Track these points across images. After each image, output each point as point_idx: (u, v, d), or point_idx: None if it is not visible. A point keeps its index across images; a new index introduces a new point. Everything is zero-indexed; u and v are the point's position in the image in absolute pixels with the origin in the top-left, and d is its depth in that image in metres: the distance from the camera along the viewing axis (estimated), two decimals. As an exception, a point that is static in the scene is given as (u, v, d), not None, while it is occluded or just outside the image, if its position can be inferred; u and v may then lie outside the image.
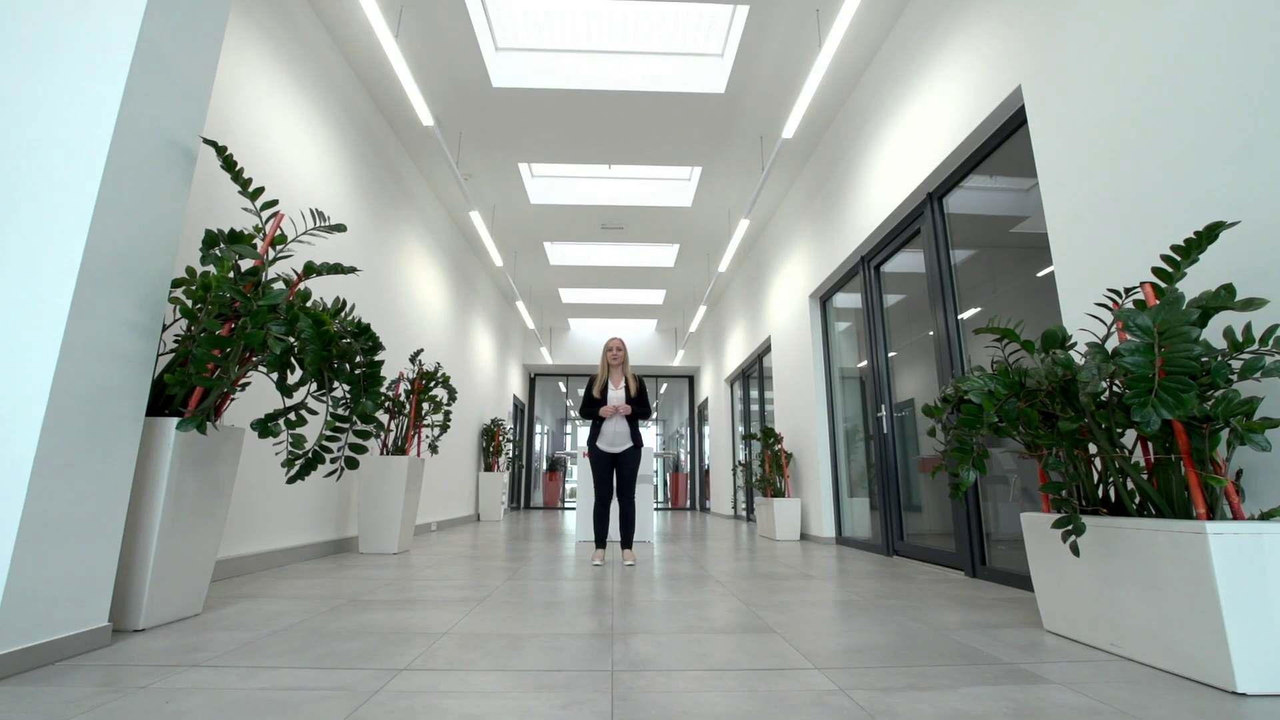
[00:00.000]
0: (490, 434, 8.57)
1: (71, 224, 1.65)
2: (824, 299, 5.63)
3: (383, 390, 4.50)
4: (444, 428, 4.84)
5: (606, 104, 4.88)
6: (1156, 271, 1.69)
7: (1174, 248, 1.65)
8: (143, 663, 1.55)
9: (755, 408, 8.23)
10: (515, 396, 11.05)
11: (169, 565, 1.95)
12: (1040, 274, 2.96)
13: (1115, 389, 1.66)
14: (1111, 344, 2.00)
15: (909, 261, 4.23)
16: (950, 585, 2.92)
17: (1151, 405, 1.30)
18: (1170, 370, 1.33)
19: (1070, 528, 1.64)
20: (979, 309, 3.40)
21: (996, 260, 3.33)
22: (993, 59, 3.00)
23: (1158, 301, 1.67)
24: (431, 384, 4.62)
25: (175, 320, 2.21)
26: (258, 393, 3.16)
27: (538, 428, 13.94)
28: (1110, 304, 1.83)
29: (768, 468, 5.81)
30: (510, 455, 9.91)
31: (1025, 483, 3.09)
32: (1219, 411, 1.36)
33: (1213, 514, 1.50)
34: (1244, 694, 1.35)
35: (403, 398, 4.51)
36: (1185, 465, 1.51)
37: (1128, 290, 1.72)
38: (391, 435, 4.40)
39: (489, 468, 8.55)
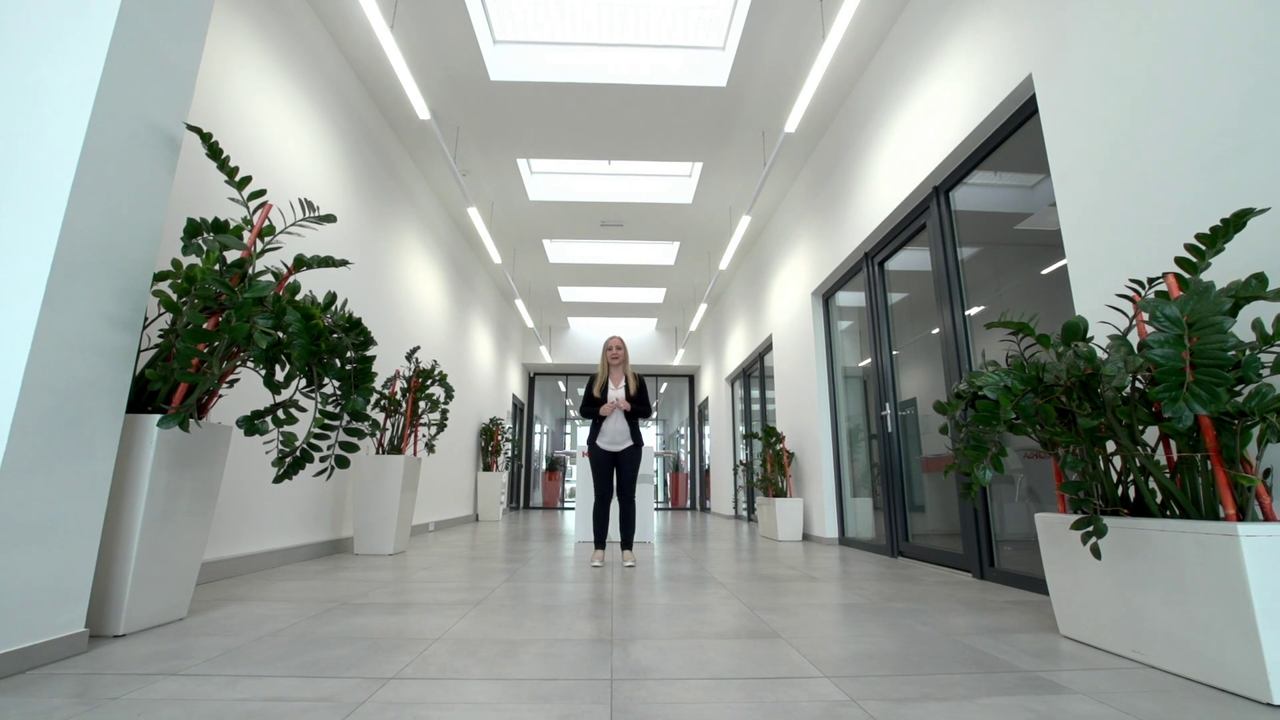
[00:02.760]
0: (489, 433, 8.50)
1: (45, 211, 1.58)
2: (826, 296, 5.55)
3: (376, 388, 4.44)
4: (441, 426, 4.76)
5: (606, 98, 4.81)
6: (1180, 261, 1.62)
7: (1199, 236, 1.58)
8: (119, 671, 1.48)
9: (756, 407, 8.16)
10: (514, 396, 10.97)
11: (151, 568, 1.88)
12: (1045, 271, 2.90)
13: (1138, 384, 1.59)
14: (1133, 337, 1.93)
15: (911, 260, 4.16)
16: (958, 587, 2.85)
17: (1184, 400, 1.22)
18: (1201, 363, 1.26)
19: (1091, 529, 1.56)
20: (983, 307, 3.34)
21: (1000, 258, 3.27)
22: (1002, 48, 2.93)
23: (1181, 293, 1.60)
24: (428, 382, 4.54)
25: (160, 314, 2.14)
26: (250, 390, 3.09)
27: (537, 427, 13.87)
28: (1132, 295, 1.75)
29: (769, 467, 5.74)
30: (509, 455, 9.84)
31: (1031, 482, 3.02)
32: (1253, 406, 1.29)
33: (1243, 515, 1.43)
34: (1280, 705, 1.28)
35: (399, 396, 4.43)
36: (1214, 463, 1.44)
37: (1151, 280, 1.65)
38: (387, 434, 4.32)
39: (488, 467, 8.48)
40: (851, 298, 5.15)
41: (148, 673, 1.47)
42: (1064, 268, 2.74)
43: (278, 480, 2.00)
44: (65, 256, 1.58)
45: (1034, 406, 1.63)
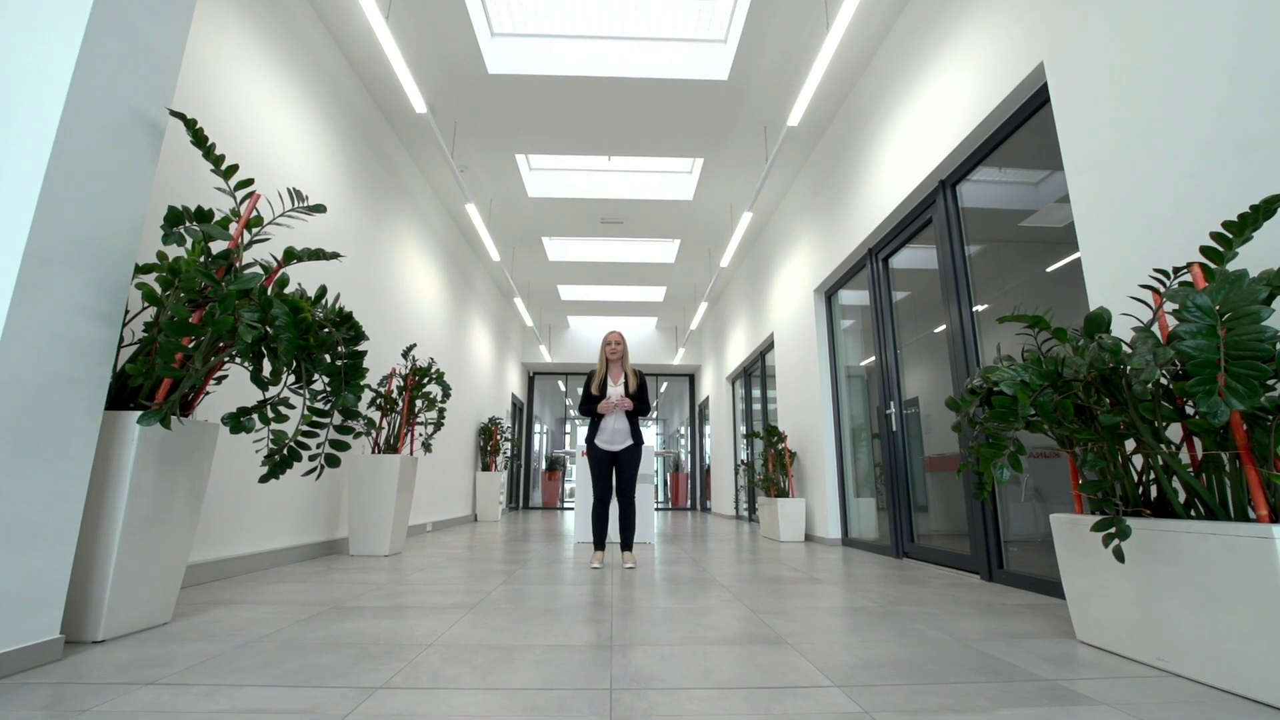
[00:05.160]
0: (488, 433, 8.42)
1: (17, 198, 1.51)
2: (829, 294, 5.48)
3: (371, 385, 4.36)
4: (438, 425, 4.69)
5: (605, 92, 4.73)
6: (1205, 251, 1.55)
7: (1226, 224, 1.51)
8: (94, 680, 1.41)
9: (757, 406, 8.09)
10: (514, 395, 10.90)
11: (133, 571, 1.80)
12: (1050, 269, 2.84)
13: (1162, 378, 1.52)
14: (1155, 330, 1.85)
15: (913, 258, 4.10)
16: (967, 590, 2.77)
17: (1221, 395, 1.15)
18: (1236, 355, 1.19)
19: (1113, 530, 1.49)
20: (987, 305, 3.27)
21: (1004, 255, 3.21)
22: (1011, 36, 2.86)
23: (1207, 283, 1.53)
24: (425, 380, 4.47)
25: (143, 308, 2.07)
26: (243, 387, 3.01)
27: (537, 427, 13.79)
28: (1158, 285, 1.68)
29: (771, 467, 5.66)
30: (508, 454, 9.77)
31: (1037, 482, 2.95)
32: (1290, 402, 1.22)
33: (1275, 516, 1.36)
34: (1319, 718, 1.20)
35: (395, 394, 4.36)
36: (1244, 462, 1.37)
37: (1176, 270, 1.57)
38: (383, 433, 4.25)
39: (486, 467, 8.41)
40: (854, 296, 5.08)
41: (123, 682, 1.39)
42: (1069, 265, 2.68)
43: (264, 480, 1.93)
44: (38, 245, 1.51)
45: (1052, 402, 1.56)
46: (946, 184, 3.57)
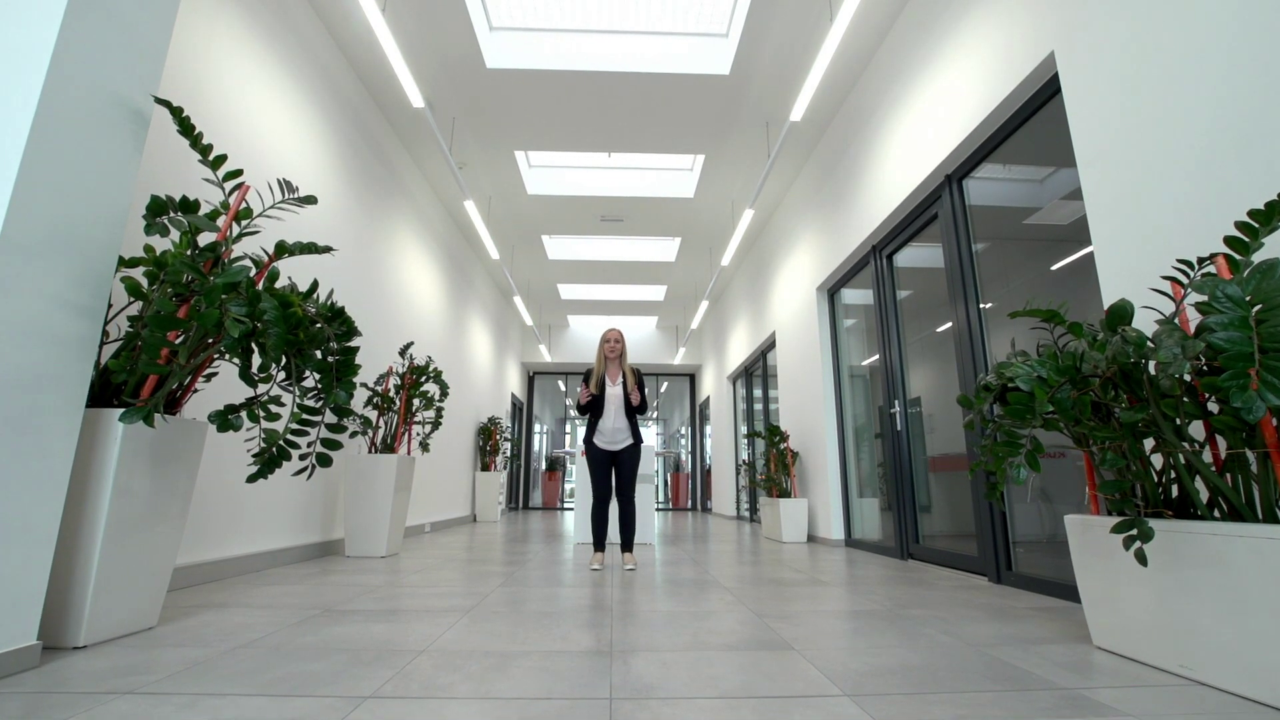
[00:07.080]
0: (487, 432, 8.36)
1: (-8, 185, 1.44)
2: (831, 292, 5.42)
3: (367, 384, 4.30)
4: (436, 425, 4.63)
5: (605, 86, 4.67)
6: (1229, 241, 1.49)
7: (1252, 213, 1.44)
8: (70, 689, 1.35)
9: (759, 406, 8.03)
10: (513, 395, 10.84)
11: (116, 573, 1.74)
12: (1055, 267, 2.78)
13: (1185, 373, 1.45)
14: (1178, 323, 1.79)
15: (915, 257, 4.04)
16: (975, 593, 2.71)
17: (1257, 390, 1.09)
18: (1271, 347, 1.13)
19: (1134, 532, 1.43)
20: (991, 303, 3.21)
21: (1008, 254, 3.15)
22: (1021, 25, 2.79)
23: (1232, 275, 1.47)
24: (422, 379, 4.41)
25: (129, 303, 2.01)
26: (236, 385, 2.95)
27: (536, 427, 13.73)
28: (1180, 277, 1.62)
29: (773, 467, 5.60)
30: (508, 454, 9.70)
31: (1043, 482, 2.89)
32: (1326, 397, 1.15)
33: (1307, 517, 1.30)
34: (1358, 731, 1.14)
35: (392, 393, 4.30)
36: (1275, 460, 1.30)
37: (1200, 261, 1.51)
38: (380, 432, 4.19)
39: (486, 467, 8.34)
40: (855, 295, 5.02)
41: (101, 691, 1.33)
42: (1074, 263, 2.63)
43: (251, 479, 1.87)
44: (13, 235, 1.45)
45: (1070, 399, 1.50)
46: (953, 178, 3.51)
